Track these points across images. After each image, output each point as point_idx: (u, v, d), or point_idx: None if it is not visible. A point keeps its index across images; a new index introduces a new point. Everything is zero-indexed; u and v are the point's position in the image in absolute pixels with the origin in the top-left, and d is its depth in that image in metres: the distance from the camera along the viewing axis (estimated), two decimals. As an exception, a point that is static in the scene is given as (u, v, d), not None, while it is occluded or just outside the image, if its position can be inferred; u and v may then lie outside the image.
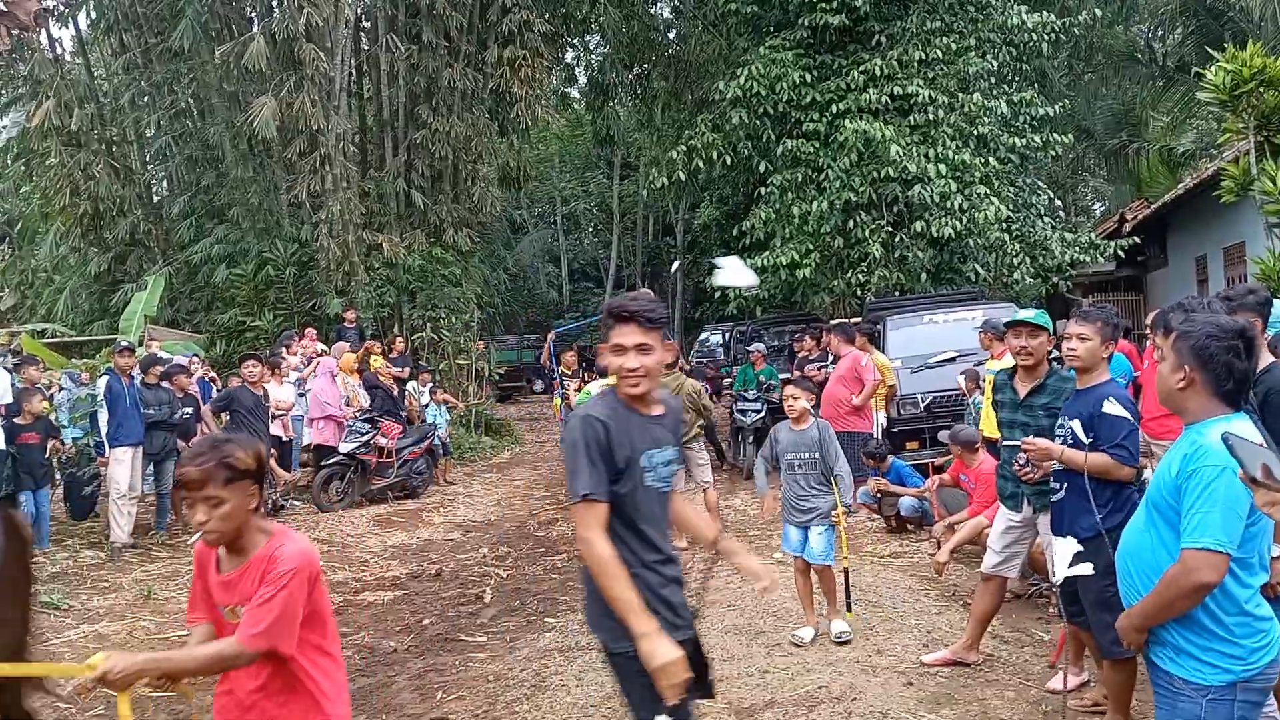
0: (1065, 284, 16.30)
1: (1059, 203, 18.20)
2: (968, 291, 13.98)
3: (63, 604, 6.95)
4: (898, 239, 15.32)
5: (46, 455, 8.63)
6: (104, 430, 9.01)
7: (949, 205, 14.42)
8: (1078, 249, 15.65)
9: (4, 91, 17.50)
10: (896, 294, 15.07)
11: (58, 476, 9.83)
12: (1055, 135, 15.72)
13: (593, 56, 27.88)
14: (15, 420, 8.26)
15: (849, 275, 15.62)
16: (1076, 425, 4.07)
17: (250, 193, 16.67)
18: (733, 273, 9.59)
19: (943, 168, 14.40)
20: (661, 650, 2.64)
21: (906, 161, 14.32)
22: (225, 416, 9.58)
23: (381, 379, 12.35)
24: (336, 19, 16.34)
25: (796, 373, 12.86)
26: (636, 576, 2.78)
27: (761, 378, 12.11)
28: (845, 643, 5.55)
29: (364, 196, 16.74)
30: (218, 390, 11.40)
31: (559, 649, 6.01)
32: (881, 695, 4.94)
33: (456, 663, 5.94)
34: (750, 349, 13.54)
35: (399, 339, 14.27)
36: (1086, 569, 2.65)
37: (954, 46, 15.33)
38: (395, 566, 8.56)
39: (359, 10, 18.00)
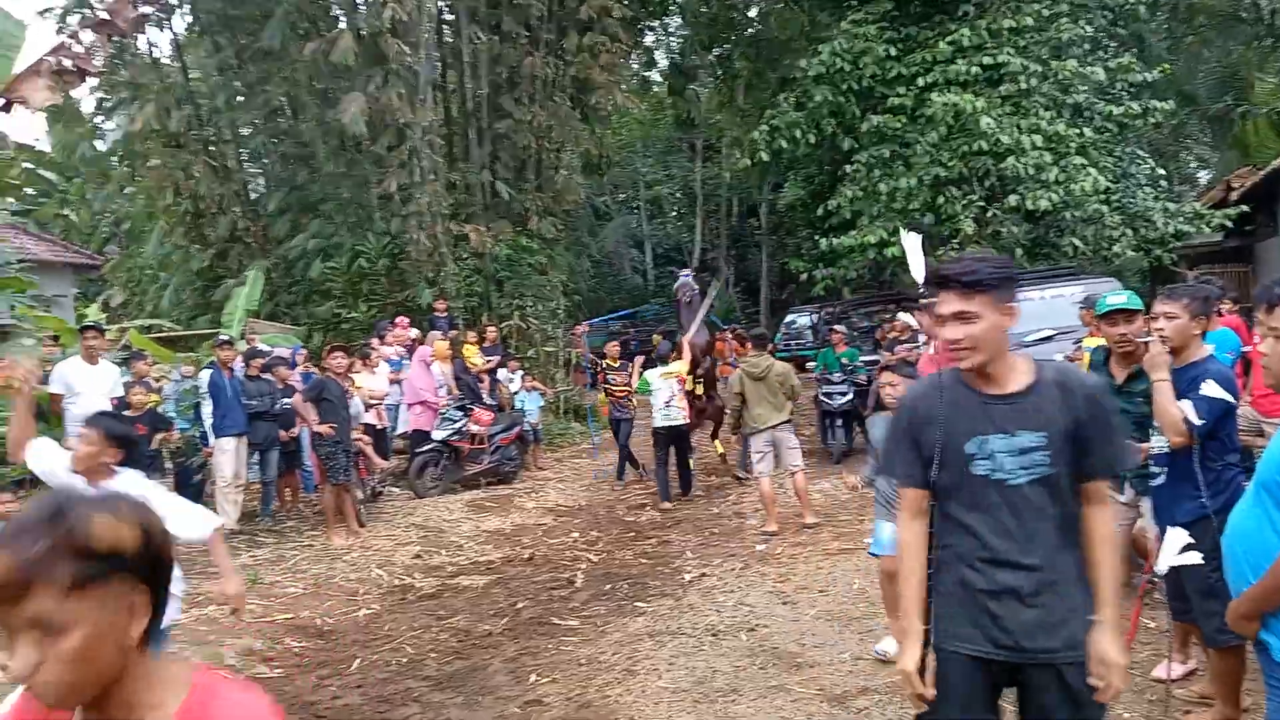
0: (1169, 256, 15.68)
1: (1161, 172, 17.43)
2: (1065, 267, 13.56)
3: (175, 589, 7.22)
4: (990, 214, 14.95)
5: (154, 446, 8.98)
6: (208, 421, 9.35)
7: (1044, 178, 14.02)
8: (1181, 219, 15.05)
9: (108, 96, 18.21)
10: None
11: (168, 466, 10.23)
12: (1155, 102, 15.13)
13: (672, 39, 27.80)
14: (125, 413, 8.61)
15: (940, 252, 15.29)
16: (1188, 406, 3.90)
17: (342, 188, 17.06)
18: (914, 252, 9.19)
19: (1037, 139, 13.99)
20: (905, 656, 2.51)
21: (998, 133, 13.96)
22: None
23: (470, 368, 12.58)
24: (419, 13, 16.57)
25: (886, 355, 12.66)
26: (955, 574, 2.57)
27: (844, 360, 11.91)
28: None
29: (451, 188, 16.99)
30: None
31: (649, 634, 6.05)
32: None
33: (549, 646, 6.02)
34: (831, 330, 13.30)
35: (491, 328, 14.49)
36: (1195, 558, 2.51)
37: (1046, 13, 14.85)
38: (489, 551, 8.71)
39: (441, 3, 18.22)
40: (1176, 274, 17.67)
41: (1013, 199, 14.35)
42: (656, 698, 5.00)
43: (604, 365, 12.14)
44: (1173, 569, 2.93)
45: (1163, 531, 3.55)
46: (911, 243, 9.52)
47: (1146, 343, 4.16)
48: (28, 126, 67.46)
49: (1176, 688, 4.41)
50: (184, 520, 3.90)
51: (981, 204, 14.93)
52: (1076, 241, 14.76)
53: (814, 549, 7.91)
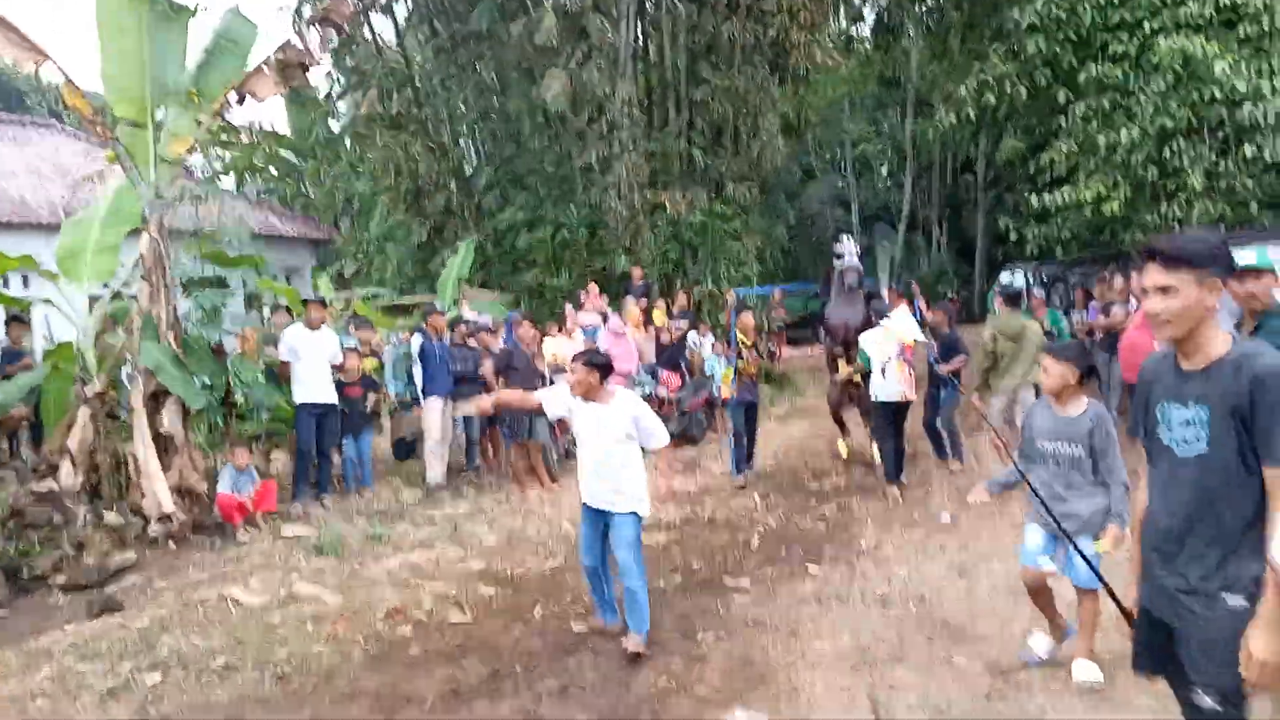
0: None
1: None
2: (1309, 222, 12.28)
3: (384, 537, 7.93)
4: (1223, 167, 13.68)
5: (369, 407, 9.82)
6: (419, 384, 10.09)
7: (1287, 124, 12.68)
8: None
9: (337, 82, 19.67)
10: (1222, 228, 13.50)
11: (385, 424, 11.12)
12: None
13: (881, -6, 26.86)
14: (341, 377, 9.45)
15: (1164, 209, 14.19)
16: None
17: (546, 161, 17.75)
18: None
19: (1279, 83, 12.66)
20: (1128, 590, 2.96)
21: (1235, 79, 12.71)
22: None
23: (662, 334, 12.88)
24: (621, -12, 16.91)
25: (1099, 319, 11.92)
26: (1145, 529, 2.86)
27: (1046, 324, 11.30)
28: (1090, 690, 4.50)
29: (648, 157, 17.30)
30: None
31: (817, 598, 6.11)
32: (1155, 666, 4.63)
33: (718, 605, 6.18)
34: (1031, 295, 12.57)
35: (681, 293, 14.71)
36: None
37: (1294, -58, 13.33)
38: (671, 510, 8.94)
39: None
40: None
41: (1249, 149, 13.07)
42: (815, 661, 5.08)
43: (738, 340, 10.08)
44: None
45: None
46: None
47: None
48: (269, 110, 74.14)
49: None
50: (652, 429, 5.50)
51: (1214, 156, 13.69)
52: (1326, 194, 13.30)
53: (1002, 519, 7.67)
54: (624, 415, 5.43)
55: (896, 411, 8.89)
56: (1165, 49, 13.22)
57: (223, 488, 7.90)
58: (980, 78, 16.11)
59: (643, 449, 5.56)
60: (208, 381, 8.17)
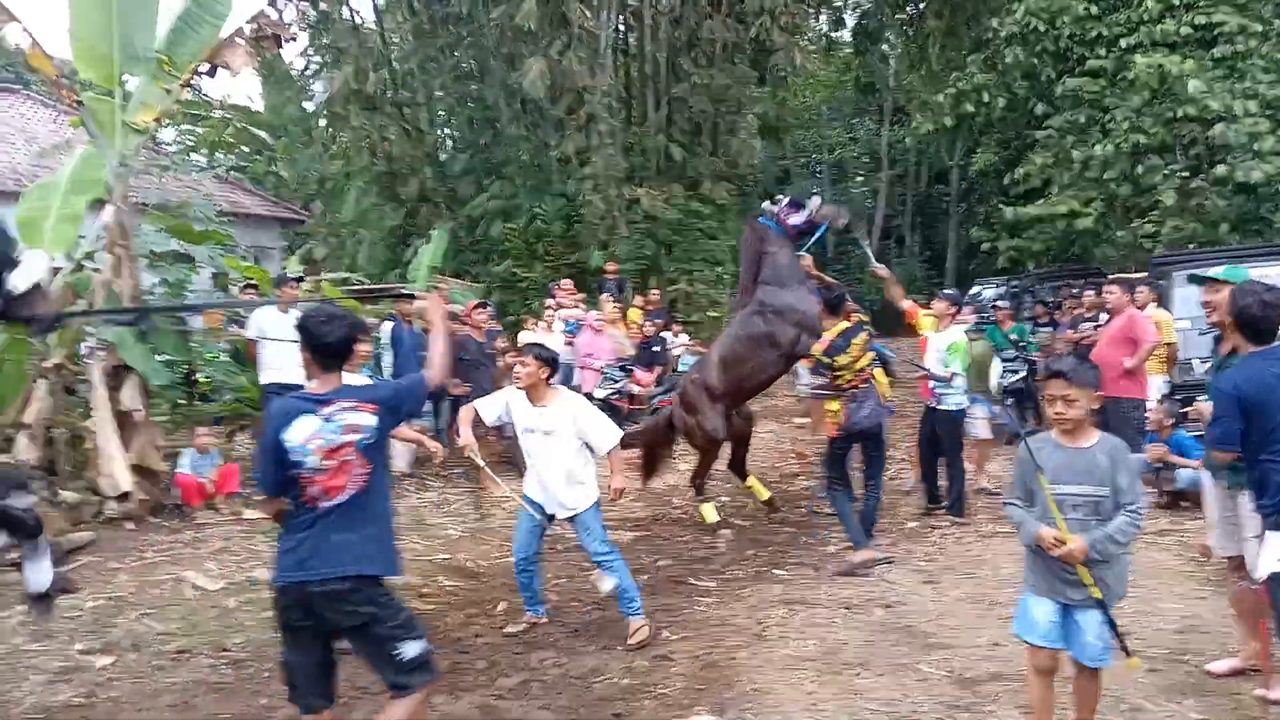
0: (1405, 235, 14.11)
1: None
2: (1276, 244, 12.44)
3: (346, 525, 7.77)
4: (1194, 185, 13.87)
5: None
6: (387, 371, 9.93)
7: (1258, 147, 12.87)
8: None
9: (313, 60, 19.35)
10: (1191, 247, 13.69)
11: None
12: (1400, 65, 13.56)
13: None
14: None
15: (1136, 225, 14.36)
16: None
17: (523, 150, 17.59)
18: None
19: (1253, 105, 12.87)
20: None
21: (1208, 99, 12.91)
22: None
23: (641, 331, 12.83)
24: (604, -24, 16.78)
25: (1068, 333, 11.92)
26: None
27: (1013, 336, 11.32)
28: None
29: (626, 151, 17.21)
30: (502, 338, 11.85)
31: (783, 601, 6.07)
32: (1120, 679, 4.64)
33: (685, 605, 6.14)
34: (995, 307, 12.61)
35: (655, 291, 14.65)
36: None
37: (1272, -34, 13.55)
38: (640, 508, 8.90)
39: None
40: None
41: (1221, 169, 13.26)
42: (781, 664, 5.03)
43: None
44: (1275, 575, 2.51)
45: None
46: None
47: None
48: (244, 87, 73.25)
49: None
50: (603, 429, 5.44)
51: (1185, 174, 13.87)
52: (1292, 217, 13.54)
53: (968, 529, 7.69)
54: (568, 420, 5.36)
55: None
56: (1142, 65, 13.39)
57: (183, 468, 7.74)
58: (958, 87, 16.22)
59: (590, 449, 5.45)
60: (171, 358, 7.97)
